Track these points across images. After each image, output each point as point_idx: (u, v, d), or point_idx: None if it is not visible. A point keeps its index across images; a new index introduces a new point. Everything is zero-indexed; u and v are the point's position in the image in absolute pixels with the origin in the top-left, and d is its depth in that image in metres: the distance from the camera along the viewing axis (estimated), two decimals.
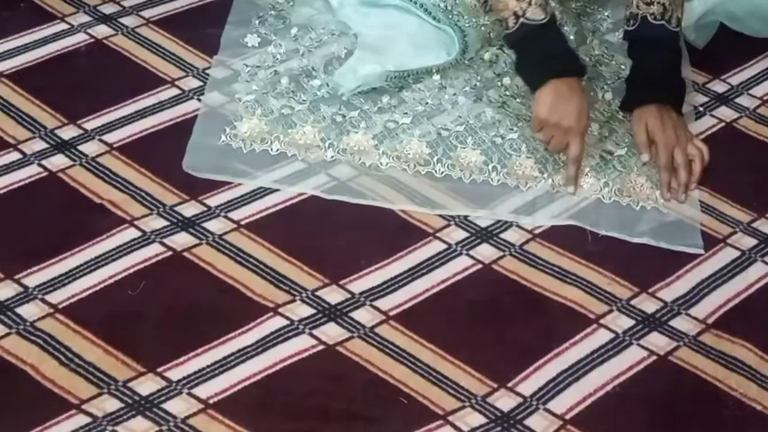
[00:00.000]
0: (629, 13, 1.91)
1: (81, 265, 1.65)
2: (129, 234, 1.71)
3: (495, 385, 1.55)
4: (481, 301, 1.67)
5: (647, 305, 1.69)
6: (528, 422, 1.52)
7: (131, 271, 1.65)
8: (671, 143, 1.84)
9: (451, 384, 1.55)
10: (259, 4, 2.16)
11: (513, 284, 1.70)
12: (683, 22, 1.93)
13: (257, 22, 2.12)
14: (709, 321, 1.67)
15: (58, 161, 1.82)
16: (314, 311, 1.62)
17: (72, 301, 1.61)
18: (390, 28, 2.03)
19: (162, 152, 1.84)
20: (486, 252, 1.74)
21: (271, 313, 1.62)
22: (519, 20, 1.82)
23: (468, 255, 1.73)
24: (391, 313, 1.64)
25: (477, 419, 1.51)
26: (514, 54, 1.88)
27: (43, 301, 1.60)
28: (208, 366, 1.54)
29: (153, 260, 1.67)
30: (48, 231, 1.71)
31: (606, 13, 2.19)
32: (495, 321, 1.64)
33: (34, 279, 1.63)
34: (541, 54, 1.83)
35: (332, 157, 1.86)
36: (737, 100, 2.07)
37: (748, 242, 1.80)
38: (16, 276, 1.63)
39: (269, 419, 1.49)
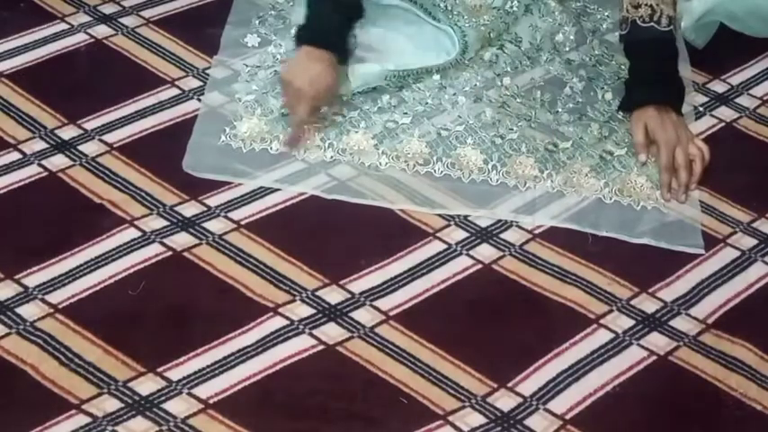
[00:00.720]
0: (621, 18, 1.92)
1: (81, 265, 1.65)
2: (129, 234, 1.71)
3: (495, 385, 1.55)
4: (481, 301, 1.67)
5: (647, 305, 1.69)
6: (528, 422, 1.51)
7: (131, 271, 1.65)
8: (672, 143, 1.84)
9: (451, 384, 1.55)
10: (259, 4, 2.16)
11: (513, 284, 1.70)
12: (682, 22, 1.93)
13: (257, 22, 2.12)
14: (709, 321, 1.67)
15: (57, 161, 1.82)
16: (314, 311, 1.62)
17: (72, 301, 1.61)
18: (390, 28, 2.03)
19: (162, 152, 1.84)
20: (486, 252, 1.74)
21: (271, 313, 1.62)
22: None
23: (468, 255, 1.73)
24: (391, 313, 1.64)
25: (477, 419, 1.51)
26: None
27: (43, 301, 1.60)
28: (208, 366, 1.54)
29: (153, 260, 1.67)
30: (48, 231, 1.71)
31: (606, 13, 2.19)
32: (495, 321, 1.64)
33: (34, 279, 1.63)
34: (311, 21, 1.89)
35: (332, 156, 1.86)
36: (737, 100, 2.07)
37: (748, 242, 1.80)
38: (16, 276, 1.63)
39: (269, 419, 1.48)
